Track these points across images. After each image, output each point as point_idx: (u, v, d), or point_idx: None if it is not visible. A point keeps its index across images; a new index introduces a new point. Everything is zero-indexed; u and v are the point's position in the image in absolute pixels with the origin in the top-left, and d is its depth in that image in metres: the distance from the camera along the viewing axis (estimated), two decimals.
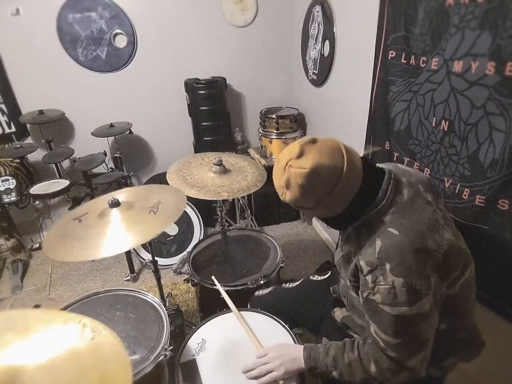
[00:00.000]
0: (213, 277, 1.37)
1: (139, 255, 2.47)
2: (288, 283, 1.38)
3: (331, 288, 1.24)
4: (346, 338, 0.97)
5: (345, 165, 0.81)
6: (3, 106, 2.60)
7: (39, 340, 0.68)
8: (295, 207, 0.90)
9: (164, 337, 1.10)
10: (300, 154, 0.82)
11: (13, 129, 2.68)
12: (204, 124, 2.85)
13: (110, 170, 2.82)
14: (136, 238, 1.11)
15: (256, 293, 1.40)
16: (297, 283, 1.37)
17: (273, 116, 2.75)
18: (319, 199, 0.83)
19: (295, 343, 1.09)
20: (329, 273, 1.35)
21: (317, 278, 1.37)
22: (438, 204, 0.93)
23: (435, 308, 0.81)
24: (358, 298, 0.97)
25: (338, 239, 1.10)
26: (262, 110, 2.92)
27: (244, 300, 1.38)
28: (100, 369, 0.67)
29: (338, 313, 1.16)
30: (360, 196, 0.85)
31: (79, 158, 2.63)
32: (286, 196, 0.87)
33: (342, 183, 0.81)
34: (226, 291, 1.43)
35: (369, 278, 0.82)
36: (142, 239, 1.13)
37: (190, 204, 2.55)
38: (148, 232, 1.13)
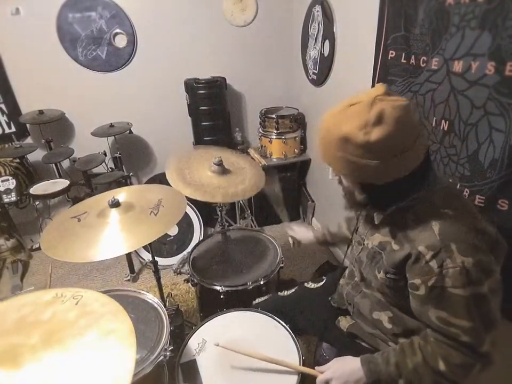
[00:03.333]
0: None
1: (139, 255, 2.47)
2: (283, 291, 1.36)
3: (330, 298, 1.22)
4: (402, 341, 0.91)
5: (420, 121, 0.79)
6: (3, 106, 2.60)
7: (29, 322, 0.69)
8: (360, 159, 0.74)
9: (163, 338, 1.10)
10: (389, 93, 0.75)
11: (13, 129, 2.68)
12: (204, 123, 2.85)
13: (110, 170, 2.82)
14: (137, 240, 1.11)
15: (254, 302, 1.38)
16: (292, 290, 1.35)
17: (273, 116, 2.75)
18: (408, 143, 0.73)
19: (295, 343, 1.08)
20: (324, 281, 1.33)
21: (311, 285, 1.34)
22: None
23: (500, 286, 0.78)
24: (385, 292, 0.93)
25: (355, 233, 1.05)
26: (262, 110, 2.92)
27: (243, 300, 1.38)
28: (97, 324, 0.69)
29: (344, 323, 1.12)
30: (425, 165, 0.79)
31: (79, 158, 2.63)
32: (373, 134, 0.71)
33: (422, 135, 0.76)
34: (226, 291, 1.43)
35: (433, 263, 0.76)
36: (142, 241, 1.13)
37: (190, 204, 2.55)
38: (148, 235, 1.13)
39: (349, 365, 0.93)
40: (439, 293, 0.78)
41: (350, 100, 0.78)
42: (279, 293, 1.36)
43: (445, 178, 0.89)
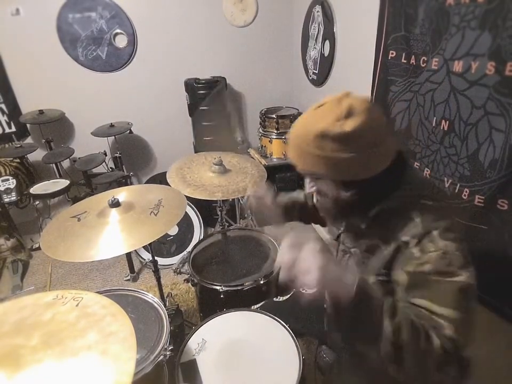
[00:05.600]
0: None
1: (139, 255, 2.47)
2: (278, 297, 1.35)
3: (325, 304, 1.19)
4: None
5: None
6: (3, 106, 2.60)
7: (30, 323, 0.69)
8: (341, 150, 0.72)
9: (163, 337, 1.10)
10: (349, 94, 0.79)
11: (13, 129, 2.68)
12: (204, 123, 2.85)
13: (110, 170, 2.82)
14: (137, 240, 1.11)
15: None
16: (287, 296, 1.34)
17: (273, 116, 2.75)
18: (382, 133, 0.75)
19: (295, 343, 1.08)
20: None
21: (306, 290, 1.33)
22: None
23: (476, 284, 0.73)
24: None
25: (339, 243, 1.04)
26: (262, 110, 2.92)
27: (243, 300, 1.38)
28: (97, 326, 0.69)
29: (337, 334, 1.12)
30: (398, 162, 0.79)
31: (79, 158, 2.63)
32: (347, 125, 0.72)
33: (391, 128, 0.78)
34: (226, 291, 1.43)
35: (415, 249, 0.75)
36: (143, 241, 1.13)
37: (190, 203, 2.55)
38: (148, 235, 1.13)
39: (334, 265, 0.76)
40: (420, 280, 0.73)
41: (315, 105, 0.81)
42: (274, 299, 1.35)
43: (420, 174, 0.91)
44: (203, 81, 2.73)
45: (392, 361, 0.68)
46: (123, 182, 2.54)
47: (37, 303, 0.75)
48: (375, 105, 0.76)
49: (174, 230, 2.51)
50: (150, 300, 1.26)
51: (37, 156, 2.62)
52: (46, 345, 0.64)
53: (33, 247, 2.67)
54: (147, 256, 2.43)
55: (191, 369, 1.04)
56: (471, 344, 0.69)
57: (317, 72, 2.64)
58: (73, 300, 0.75)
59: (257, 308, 1.33)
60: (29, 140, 2.76)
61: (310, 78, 2.79)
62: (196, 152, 2.98)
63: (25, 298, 0.76)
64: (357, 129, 0.72)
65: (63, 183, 2.37)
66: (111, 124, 2.64)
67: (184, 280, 1.61)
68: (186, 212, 2.52)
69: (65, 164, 2.78)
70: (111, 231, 1.14)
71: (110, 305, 0.76)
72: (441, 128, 1.44)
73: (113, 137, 2.72)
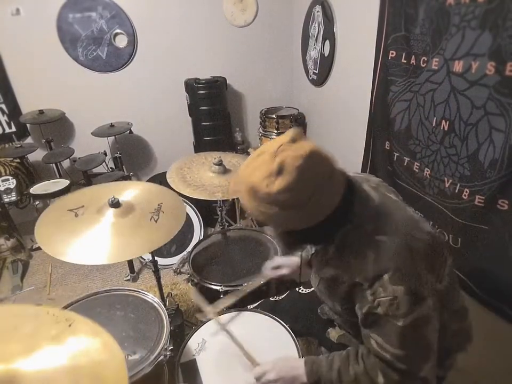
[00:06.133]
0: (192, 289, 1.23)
1: None
2: (274, 296, 1.35)
3: (319, 310, 1.21)
4: (349, 348, 0.93)
5: (333, 160, 0.77)
6: (3, 106, 2.60)
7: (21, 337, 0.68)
8: (269, 214, 0.74)
9: (163, 337, 1.10)
10: (294, 140, 0.75)
11: (13, 129, 2.68)
12: (204, 123, 2.85)
13: (110, 170, 2.82)
14: (139, 249, 1.12)
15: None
16: (283, 295, 1.33)
17: (274, 116, 2.75)
18: (315, 190, 0.72)
19: (295, 343, 1.08)
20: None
21: (303, 290, 1.32)
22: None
23: (434, 308, 0.80)
24: (350, 320, 0.94)
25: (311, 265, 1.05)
26: (262, 110, 2.92)
27: (243, 300, 1.38)
28: (86, 355, 0.68)
29: (333, 334, 1.13)
30: (344, 202, 0.78)
31: (79, 158, 2.63)
32: (275, 184, 0.71)
33: (335, 176, 0.75)
34: (226, 291, 1.43)
35: (368, 292, 0.79)
36: (144, 250, 1.13)
37: (190, 204, 2.55)
38: (149, 243, 1.13)
39: (292, 362, 0.95)
40: (374, 320, 0.80)
41: (258, 150, 0.79)
42: (270, 298, 1.35)
43: (377, 193, 0.89)
44: (203, 81, 2.73)
45: None
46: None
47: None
48: (312, 157, 0.72)
49: None
50: (150, 300, 1.25)
51: (37, 156, 2.62)
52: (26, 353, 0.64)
53: (33, 247, 2.67)
54: (147, 256, 2.43)
55: (191, 369, 1.04)
56: (431, 368, 0.81)
57: (317, 72, 2.64)
58: (66, 320, 0.73)
59: (255, 307, 1.32)
60: (29, 140, 2.76)
61: (310, 78, 2.79)
62: (195, 152, 2.98)
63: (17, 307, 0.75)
64: (283, 189, 0.70)
65: (63, 183, 2.37)
66: (111, 123, 2.64)
67: (184, 280, 1.61)
68: (186, 212, 2.53)
69: (65, 164, 2.78)
70: (110, 235, 1.14)
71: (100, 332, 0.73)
72: (441, 128, 1.44)
73: (113, 137, 2.71)
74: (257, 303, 1.34)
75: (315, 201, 0.73)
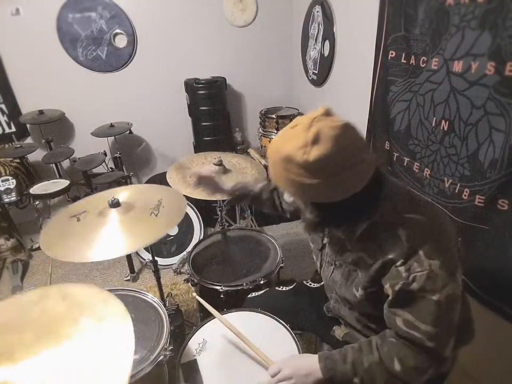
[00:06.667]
0: (197, 297, 1.23)
1: (139, 255, 2.47)
2: (281, 286, 1.35)
3: (324, 307, 1.21)
4: (361, 340, 0.93)
5: (366, 141, 0.77)
6: (3, 106, 2.60)
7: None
8: (311, 178, 0.73)
9: (163, 337, 1.10)
10: (327, 113, 0.76)
11: (13, 129, 2.68)
12: (204, 123, 2.85)
13: (110, 170, 2.82)
14: (138, 241, 1.12)
15: (249, 296, 1.36)
16: (291, 287, 1.33)
17: (273, 116, 2.75)
18: (350, 161, 0.72)
19: (296, 343, 1.08)
20: (323, 282, 1.33)
21: (310, 284, 1.32)
22: None
23: (460, 285, 0.81)
24: (366, 310, 0.95)
25: (323, 253, 1.04)
26: (262, 110, 2.92)
27: (243, 300, 1.38)
28: (89, 312, 0.70)
29: (339, 332, 1.12)
30: (376, 178, 0.79)
31: (79, 158, 2.63)
32: (311, 154, 0.70)
33: (368, 154, 0.76)
34: (226, 291, 1.43)
35: (401, 268, 0.78)
36: (144, 242, 1.13)
37: (190, 203, 2.55)
38: (149, 236, 1.13)
39: (306, 359, 0.94)
40: (407, 297, 0.80)
41: (292, 123, 0.79)
42: (276, 288, 1.35)
43: (402, 183, 0.90)
44: (203, 81, 2.73)
45: None
46: (123, 182, 2.54)
47: (21, 303, 0.74)
48: (348, 129, 0.73)
49: (174, 230, 2.51)
50: (150, 300, 1.26)
51: (37, 156, 2.62)
52: (39, 338, 0.64)
53: (33, 247, 2.67)
54: (147, 256, 2.43)
55: (192, 369, 1.03)
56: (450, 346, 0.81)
57: (316, 72, 2.64)
58: (57, 293, 0.74)
59: (258, 295, 1.32)
60: (28, 140, 2.76)
61: (310, 78, 2.79)
62: (195, 152, 2.98)
63: (7, 300, 0.75)
64: (320, 158, 0.71)
65: (63, 183, 2.37)
66: (111, 124, 2.64)
67: (184, 280, 1.61)
68: (186, 212, 2.53)
69: (65, 164, 2.78)
70: (111, 231, 1.14)
71: (97, 293, 0.76)
72: (441, 128, 1.44)
73: (113, 137, 2.72)
74: (261, 292, 1.34)
75: (350, 173, 0.73)
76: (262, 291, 1.35)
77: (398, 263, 0.79)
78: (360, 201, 0.80)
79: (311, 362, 0.91)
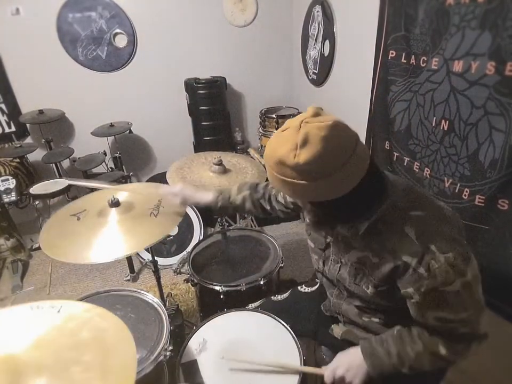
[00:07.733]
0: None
1: (139, 255, 2.47)
2: (276, 295, 1.35)
3: (322, 306, 1.21)
4: (398, 328, 0.94)
5: (356, 134, 0.77)
6: (3, 106, 2.60)
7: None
8: (302, 180, 0.74)
9: (163, 337, 1.10)
10: (316, 114, 0.76)
11: (13, 128, 2.68)
12: (204, 123, 2.85)
13: (110, 170, 2.82)
14: (138, 244, 1.12)
15: (247, 307, 1.34)
16: (285, 295, 1.33)
17: (273, 116, 2.75)
18: (341, 160, 0.72)
19: (296, 343, 1.08)
20: (317, 284, 1.31)
21: (305, 289, 1.33)
22: None
23: (478, 267, 0.83)
24: (377, 305, 0.96)
25: (325, 252, 1.05)
26: (262, 110, 2.92)
27: (243, 300, 1.38)
28: (87, 327, 0.69)
29: (337, 330, 1.13)
30: (372, 174, 0.79)
31: (79, 158, 2.64)
32: (301, 156, 0.71)
33: (359, 146, 0.75)
34: (226, 291, 1.43)
35: (421, 270, 0.79)
36: (144, 244, 1.13)
37: None
38: (149, 237, 1.13)
39: (354, 357, 0.96)
40: (434, 296, 0.81)
41: (283, 125, 0.80)
42: (272, 297, 1.35)
43: (399, 177, 0.91)
44: (203, 81, 2.73)
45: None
46: (123, 182, 2.54)
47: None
48: (336, 127, 0.73)
49: (174, 230, 2.50)
50: (150, 300, 1.25)
51: (36, 155, 2.62)
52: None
53: (33, 247, 2.67)
54: (147, 256, 2.43)
55: (192, 369, 1.03)
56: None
57: (316, 72, 2.64)
58: (52, 307, 0.73)
59: (256, 307, 1.32)
60: (28, 140, 2.76)
61: (310, 77, 2.79)
62: (195, 152, 2.98)
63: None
64: (310, 160, 0.71)
65: (63, 183, 2.37)
66: (111, 123, 2.64)
67: (184, 280, 1.61)
68: (186, 212, 2.53)
69: (65, 163, 2.78)
70: (111, 232, 1.14)
71: (92, 308, 0.75)
72: (441, 128, 1.44)
73: (113, 137, 2.72)
74: (259, 302, 1.34)
75: (342, 171, 0.73)
76: (258, 302, 1.34)
77: (414, 264, 0.80)
78: (361, 198, 0.80)
79: (362, 362, 0.94)
